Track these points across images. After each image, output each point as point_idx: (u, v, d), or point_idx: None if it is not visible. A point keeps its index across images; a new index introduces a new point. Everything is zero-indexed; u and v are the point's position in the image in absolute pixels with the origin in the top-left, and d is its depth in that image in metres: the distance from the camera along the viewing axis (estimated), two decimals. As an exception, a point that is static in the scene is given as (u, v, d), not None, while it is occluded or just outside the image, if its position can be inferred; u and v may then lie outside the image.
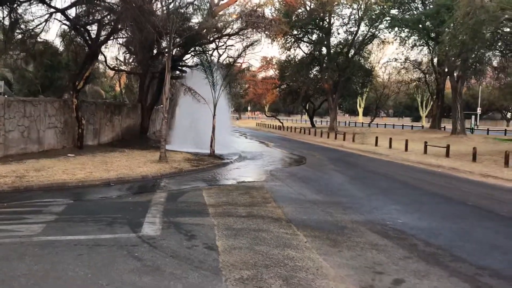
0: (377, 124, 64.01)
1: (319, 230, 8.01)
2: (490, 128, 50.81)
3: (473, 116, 50.44)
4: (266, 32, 22.86)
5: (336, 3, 41.58)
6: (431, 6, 39.21)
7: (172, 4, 19.41)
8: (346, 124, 66.66)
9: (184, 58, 26.62)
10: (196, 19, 23.83)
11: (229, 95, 26.92)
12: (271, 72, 60.96)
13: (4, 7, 18.51)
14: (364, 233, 7.89)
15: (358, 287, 5.43)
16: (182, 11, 20.37)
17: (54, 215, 8.60)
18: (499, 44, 29.21)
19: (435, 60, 42.90)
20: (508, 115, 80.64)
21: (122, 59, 34.44)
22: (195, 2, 21.51)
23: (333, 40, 47.25)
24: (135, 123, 26.66)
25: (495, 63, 36.65)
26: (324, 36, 45.71)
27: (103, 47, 22.86)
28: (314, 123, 60.15)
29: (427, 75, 49.03)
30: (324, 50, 47.25)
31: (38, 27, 20.74)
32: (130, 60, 33.26)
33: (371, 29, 44.48)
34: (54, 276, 5.44)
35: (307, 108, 62.87)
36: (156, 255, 6.28)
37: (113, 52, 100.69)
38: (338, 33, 68.78)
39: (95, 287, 5.14)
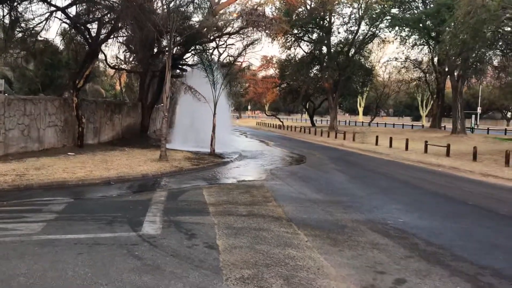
0: (377, 123, 63.96)
1: (320, 229, 7.99)
2: (490, 127, 50.75)
3: (473, 116, 50.41)
4: (267, 31, 22.84)
5: (336, 2, 41.57)
6: (431, 5, 39.16)
7: (172, 3, 19.37)
8: (346, 123, 66.61)
9: (184, 57, 26.63)
10: (196, 18, 23.86)
11: (229, 94, 26.90)
12: (271, 71, 61.00)
13: (4, 6, 18.49)
14: (365, 232, 7.86)
15: (359, 286, 5.40)
16: (183, 9, 20.31)
17: (54, 213, 8.58)
18: (500, 43, 29.18)
19: (436, 59, 42.86)
20: (508, 114, 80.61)
21: (122, 57, 34.44)
22: (196, 1, 21.48)
23: (334, 39, 47.32)
24: (136, 121, 26.64)
25: (495, 63, 36.60)
26: (324, 35, 45.70)
27: (103, 45, 22.83)
28: (314, 122, 60.11)
29: (427, 75, 48.97)
30: (324, 49, 47.26)
31: (39, 25, 20.72)
32: (131, 59, 33.24)
33: (371, 28, 44.48)
34: (53, 275, 5.42)
35: (307, 107, 62.83)
36: (156, 254, 6.25)
37: (113, 50, 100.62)
38: (339, 32, 69.08)
39: (95, 286, 5.12)
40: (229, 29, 23.55)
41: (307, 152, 24.36)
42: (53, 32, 72.13)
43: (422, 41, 41.91)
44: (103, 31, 20.94)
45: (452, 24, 26.68)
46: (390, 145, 27.46)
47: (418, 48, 44.09)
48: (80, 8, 20.02)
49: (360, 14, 42.99)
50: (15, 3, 18.75)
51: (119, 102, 29.83)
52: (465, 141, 30.63)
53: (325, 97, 51.92)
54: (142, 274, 5.49)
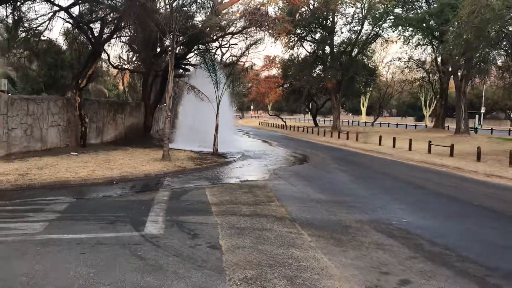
0: (380, 123, 63.78)
1: (324, 229, 7.93)
2: (493, 127, 50.52)
3: (476, 116, 50.21)
4: (270, 31, 22.76)
5: (339, 2, 41.44)
6: (435, 5, 38.99)
7: (175, 2, 19.34)
8: (349, 123, 66.47)
9: (187, 57, 26.57)
10: (199, 18, 23.72)
11: (232, 94, 26.85)
12: (274, 71, 60.90)
13: (7, 5, 18.50)
14: (369, 233, 7.80)
15: (363, 287, 5.35)
16: (186, 9, 20.28)
17: (56, 213, 8.56)
18: (504, 43, 29.01)
19: (439, 59, 42.69)
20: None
21: (125, 57, 34.36)
22: (199, 0, 21.43)
23: (337, 39, 47.22)
24: (138, 121, 26.63)
25: (499, 63, 36.39)
26: (327, 35, 45.58)
27: (106, 45, 22.81)
28: (317, 122, 60.03)
29: (430, 74, 48.79)
30: (327, 49, 47.14)
31: (42, 25, 20.72)
32: (133, 59, 33.18)
33: (374, 28, 44.33)
34: (55, 275, 5.39)
35: (310, 107, 62.73)
36: (159, 254, 6.21)
37: (116, 50, 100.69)
38: (342, 32, 68.67)
39: (97, 286, 5.08)
40: (232, 29, 23.49)
41: (310, 152, 24.30)
42: (56, 32, 72.18)
43: (425, 41, 41.74)
44: (106, 30, 20.92)
45: (456, 23, 26.55)
46: (394, 145, 27.36)
47: (421, 48, 43.92)
48: (83, 8, 20.01)
49: (363, 13, 42.88)
50: (18, 3, 18.75)
51: (122, 102, 29.84)
52: (469, 141, 30.45)
53: (328, 97, 51.82)
54: (144, 274, 5.45)
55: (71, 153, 17.36)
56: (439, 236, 7.75)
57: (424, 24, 37.85)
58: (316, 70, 51.03)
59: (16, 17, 19.32)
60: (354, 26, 45.19)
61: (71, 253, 6.15)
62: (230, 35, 24.29)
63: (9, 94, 19.54)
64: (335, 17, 44.78)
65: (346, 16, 45.56)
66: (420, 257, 6.56)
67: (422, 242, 7.33)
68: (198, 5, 21.64)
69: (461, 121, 35.72)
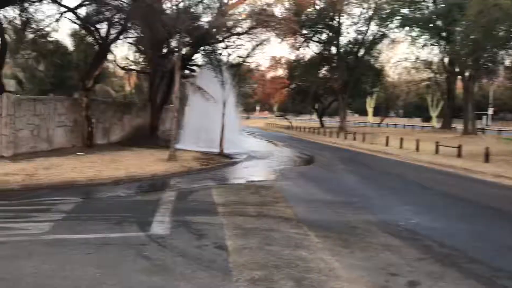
0: (387, 124, 63.51)
1: (331, 230, 7.86)
2: (501, 128, 50.10)
3: (484, 116, 49.84)
4: (276, 31, 22.74)
5: (346, 2, 41.34)
6: (442, 5, 38.78)
7: (182, 3, 19.36)
8: (356, 124, 66.24)
9: (193, 57, 26.57)
10: (205, 18, 23.72)
11: (238, 95, 26.82)
12: (280, 72, 60.80)
13: (15, 7, 18.60)
14: (377, 234, 7.73)
15: (371, 289, 5.29)
16: (192, 10, 20.30)
17: (63, 213, 8.56)
18: (512, 42, 28.76)
19: (446, 59, 42.43)
20: (520, 115, 79.57)
21: (131, 58, 34.45)
22: (205, 1, 21.46)
23: (343, 40, 46.96)
24: (145, 122, 26.66)
25: (507, 63, 36.09)
26: (333, 36, 45.45)
27: (112, 46, 22.88)
28: (324, 123, 59.86)
29: (437, 75, 48.49)
30: (333, 49, 47.00)
31: (49, 26, 20.84)
32: (140, 60, 33.26)
33: (381, 28, 44.13)
34: (62, 275, 5.37)
35: (316, 107, 62.57)
36: (165, 255, 6.19)
37: (122, 51, 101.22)
38: (348, 33, 67.89)
39: (103, 287, 5.06)
40: (238, 30, 23.47)
41: (316, 153, 24.22)
42: (63, 33, 72.40)
43: (432, 41, 41.50)
44: (113, 31, 20.99)
45: (464, 23, 26.38)
46: (401, 146, 27.18)
47: (428, 48, 43.70)
48: (90, 9, 20.09)
49: (370, 14, 42.72)
50: (26, 4, 18.85)
51: (129, 102, 29.92)
52: (476, 142, 30.19)
53: (334, 98, 51.66)
54: (151, 275, 5.42)
55: (78, 153, 17.41)
56: (448, 237, 7.66)
57: (431, 24, 37.65)
58: (322, 70, 50.88)
59: (24, 18, 19.43)
60: (360, 27, 45.03)
61: (78, 253, 6.14)
62: (237, 36, 24.26)
63: (17, 94, 19.65)
64: (342, 17, 44.64)
65: (353, 17, 45.43)
66: (428, 258, 6.48)
67: (431, 243, 7.24)
68: (204, 6, 21.68)
69: (468, 121, 35.50)
